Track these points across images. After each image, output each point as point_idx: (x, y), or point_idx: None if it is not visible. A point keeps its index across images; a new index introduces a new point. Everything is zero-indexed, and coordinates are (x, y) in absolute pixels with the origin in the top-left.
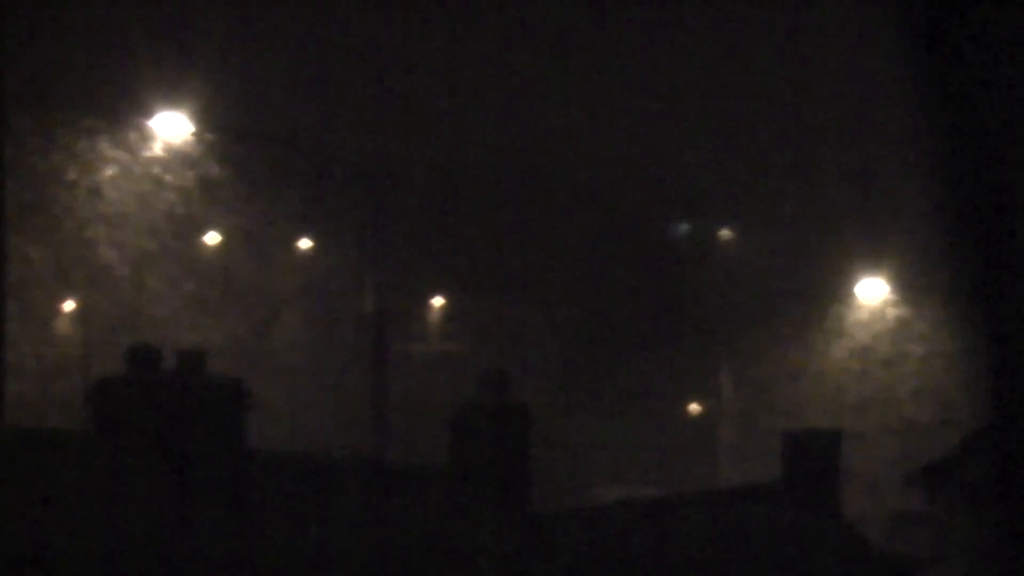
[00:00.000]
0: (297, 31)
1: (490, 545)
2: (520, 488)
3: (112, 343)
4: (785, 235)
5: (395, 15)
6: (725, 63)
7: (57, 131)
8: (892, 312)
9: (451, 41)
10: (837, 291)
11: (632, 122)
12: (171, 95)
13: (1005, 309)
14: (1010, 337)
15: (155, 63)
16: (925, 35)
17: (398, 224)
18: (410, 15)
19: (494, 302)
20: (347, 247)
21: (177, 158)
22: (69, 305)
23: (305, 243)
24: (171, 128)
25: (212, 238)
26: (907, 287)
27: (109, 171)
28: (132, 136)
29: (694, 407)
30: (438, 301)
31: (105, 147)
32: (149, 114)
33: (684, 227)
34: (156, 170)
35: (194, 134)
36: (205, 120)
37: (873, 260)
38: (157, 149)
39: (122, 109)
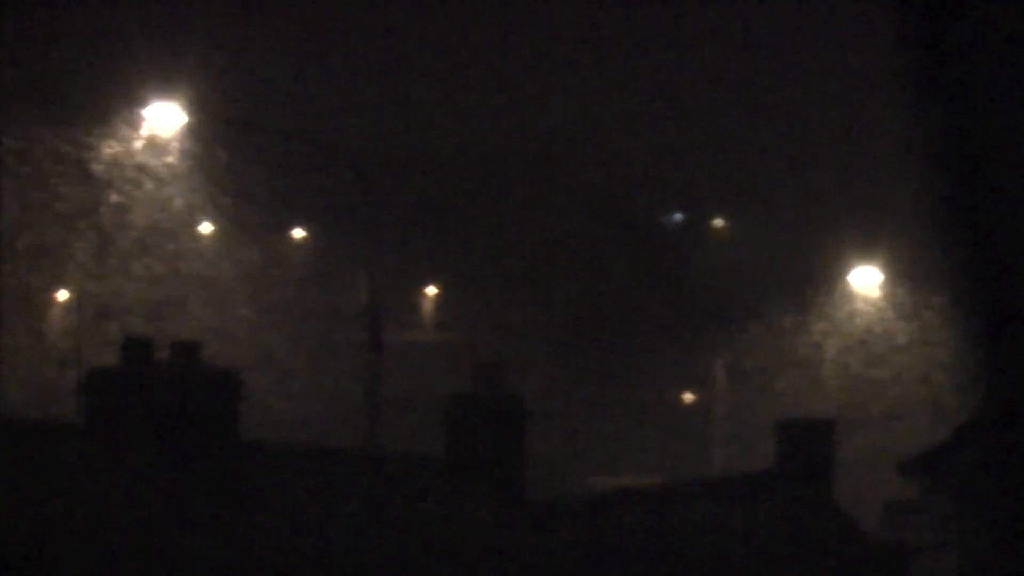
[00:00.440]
0: (290, 20)
1: (485, 535)
2: (515, 478)
3: (105, 334)
4: (778, 223)
5: (387, 4)
6: (717, 53)
7: (50, 121)
8: (886, 300)
9: (444, 30)
10: (830, 279)
11: (625, 111)
12: (164, 85)
13: (999, 297)
14: (1004, 326)
15: (148, 52)
16: (916, 23)
17: (391, 213)
18: (403, 4)
19: (488, 292)
20: (340, 236)
21: (170, 148)
22: (63, 295)
23: (299, 232)
24: (164, 118)
25: (205, 228)
26: (901, 275)
27: (102, 161)
28: (125, 126)
29: (688, 396)
30: (432, 291)
31: (98, 137)
32: (142, 104)
33: (677, 216)
34: (149, 160)
35: (187, 124)
36: (198, 110)
37: (866, 248)
38: (150, 139)
39: (115, 99)
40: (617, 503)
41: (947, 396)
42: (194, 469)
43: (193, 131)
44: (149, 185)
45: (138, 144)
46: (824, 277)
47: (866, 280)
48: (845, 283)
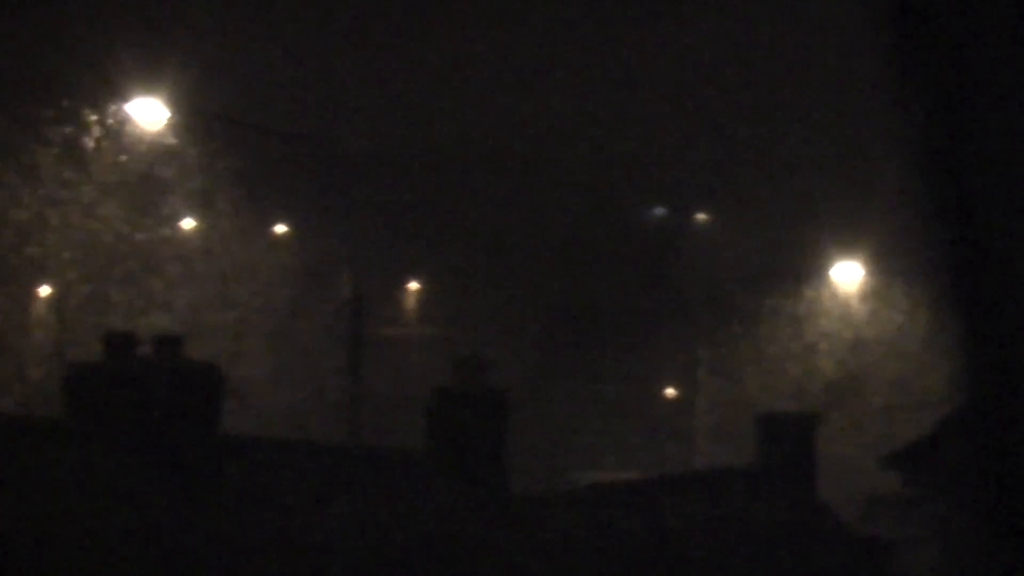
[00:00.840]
0: (273, 16)
1: (468, 530)
2: (497, 473)
3: (88, 328)
4: (760, 218)
5: (370, 3)
6: (699, 46)
7: (31, 116)
8: (868, 295)
9: (426, 27)
10: (812, 274)
11: (606, 105)
12: (147, 81)
13: (982, 291)
14: (986, 320)
15: (131, 47)
16: (902, 19)
17: (374, 209)
18: (386, 3)
19: (470, 287)
20: (323, 232)
21: (153, 144)
22: (45, 290)
23: (281, 228)
24: (147, 114)
25: (187, 223)
26: (883, 270)
27: (84, 156)
28: (108, 121)
29: (670, 391)
30: (414, 286)
31: (80, 132)
32: (125, 100)
33: (659, 211)
34: (132, 155)
35: (170, 119)
36: (181, 106)
37: (848, 243)
38: (133, 135)
39: (97, 94)
40: (600, 498)
41: (929, 389)
42: (176, 463)
43: (176, 127)
44: (131, 180)
45: (120, 140)
46: (806, 272)
47: (848, 275)
48: (827, 278)
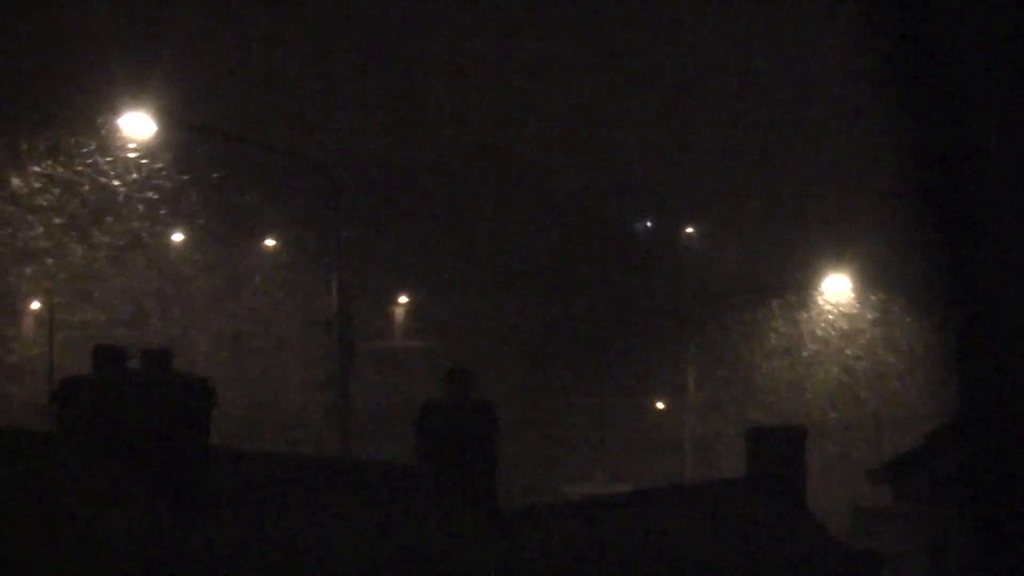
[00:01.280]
0: (259, 31)
1: (457, 543)
2: (485, 487)
3: (77, 342)
4: (750, 231)
5: (356, 13)
6: (689, 60)
7: (23, 130)
8: (857, 308)
9: (415, 37)
10: (803, 287)
11: (595, 119)
12: (136, 94)
13: (971, 304)
14: (976, 332)
15: (120, 62)
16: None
17: (362, 221)
18: (372, 12)
19: (460, 300)
20: (311, 245)
21: (142, 158)
22: (35, 305)
23: (270, 242)
24: (136, 128)
25: (177, 237)
26: (872, 283)
27: (74, 170)
28: (97, 136)
29: (660, 404)
30: (403, 299)
31: (70, 146)
32: (114, 114)
33: (648, 223)
34: (121, 170)
35: (158, 134)
36: (169, 120)
37: (838, 256)
38: (122, 149)
39: (87, 108)
40: (587, 510)
41: (919, 402)
42: (166, 476)
43: (164, 140)
44: (121, 194)
45: (111, 153)
46: (796, 285)
47: (838, 287)
48: (817, 291)
